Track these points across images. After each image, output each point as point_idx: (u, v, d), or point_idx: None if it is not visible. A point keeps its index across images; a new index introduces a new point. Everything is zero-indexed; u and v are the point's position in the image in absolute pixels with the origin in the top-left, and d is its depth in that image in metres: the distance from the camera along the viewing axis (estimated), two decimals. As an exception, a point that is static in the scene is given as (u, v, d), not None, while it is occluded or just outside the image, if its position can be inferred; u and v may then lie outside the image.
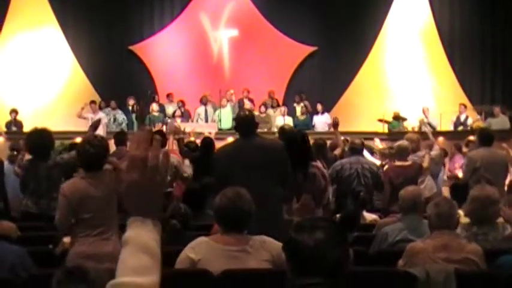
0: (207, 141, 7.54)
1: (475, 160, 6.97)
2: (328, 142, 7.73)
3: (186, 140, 9.35)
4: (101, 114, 13.06)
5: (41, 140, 5.65)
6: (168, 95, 14.63)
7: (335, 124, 7.87)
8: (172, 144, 8.64)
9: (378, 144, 9.69)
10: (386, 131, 13.29)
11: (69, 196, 4.02)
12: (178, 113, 13.38)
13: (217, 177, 4.48)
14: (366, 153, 7.54)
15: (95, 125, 5.67)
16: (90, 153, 4.05)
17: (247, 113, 4.93)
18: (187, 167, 7.59)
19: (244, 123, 4.62)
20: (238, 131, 4.74)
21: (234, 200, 3.29)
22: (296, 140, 5.14)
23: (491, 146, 7.16)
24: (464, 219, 4.48)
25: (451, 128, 13.57)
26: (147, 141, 1.32)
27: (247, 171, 4.26)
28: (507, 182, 6.90)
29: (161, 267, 1.30)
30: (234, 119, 5.69)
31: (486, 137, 7.19)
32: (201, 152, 7.41)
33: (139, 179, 1.30)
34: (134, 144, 1.32)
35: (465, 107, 13.92)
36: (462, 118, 13.63)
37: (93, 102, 13.68)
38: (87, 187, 4.02)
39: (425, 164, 7.04)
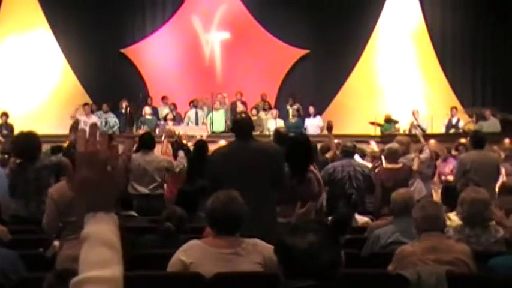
0: (201, 144, 7.53)
1: (465, 163, 7.00)
2: (319, 145, 7.74)
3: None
4: (93, 118, 13.03)
5: (27, 142, 5.60)
6: (163, 98, 14.62)
7: (329, 127, 7.88)
8: (166, 147, 8.64)
9: (373, 147, 9.61)
10: (378, 133, 13.32)
11: (57, 200, 4.01)
12: (170, 116, 13.38)
13: (212, 179, 4.46)
14: (356, 156, 7.53)
15: (75, 126, 5.62)
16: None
17: (244, 115, 4.93)
18: (181, 158, 7.63)
19: (241, 125, 4.62)
20: (234, 134, 4.74)
21: (226, 203, 3.28)
22: (300, 142, 5.13)
23: (483, 149, 7.19)
24: (456, 222, 4.49)
25: (442, 130, 13.63)
26: (94, 136, 1.31)
27: (242, 174, 4.26)
28: (498, 184, 6.92)
29: (123, 257, 1.31)
30: (231, 122, 5.71)
31: (478, 140, 7.21)
32: (195, 154, 7.41)
33: (90, 175, 1.30)
34: (81, 141, 1.31)
35: (456, 109, 13.99)
36: (454, 121, 13.69)
37: (86, 104, 13.65)
38: None
39: (414, 167, 7.05)
